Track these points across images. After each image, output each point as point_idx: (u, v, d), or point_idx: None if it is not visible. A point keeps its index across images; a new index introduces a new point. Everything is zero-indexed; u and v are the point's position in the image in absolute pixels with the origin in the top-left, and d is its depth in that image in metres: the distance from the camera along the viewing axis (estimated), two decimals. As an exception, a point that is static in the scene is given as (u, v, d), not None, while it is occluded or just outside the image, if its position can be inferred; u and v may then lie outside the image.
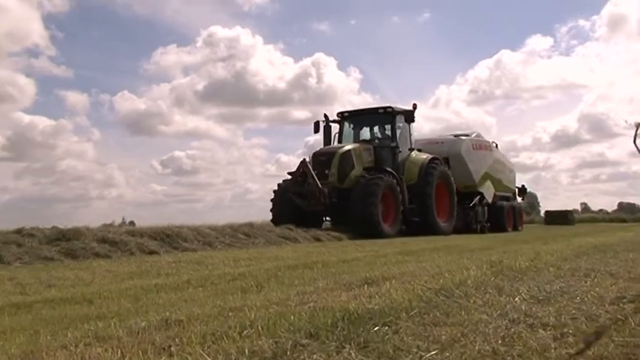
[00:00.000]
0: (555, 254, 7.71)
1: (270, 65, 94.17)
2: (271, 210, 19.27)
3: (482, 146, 25.72)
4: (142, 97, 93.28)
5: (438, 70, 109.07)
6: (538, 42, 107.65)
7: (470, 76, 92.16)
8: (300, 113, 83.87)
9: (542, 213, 53.04)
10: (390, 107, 20.47)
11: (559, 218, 41.98)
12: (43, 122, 74.33)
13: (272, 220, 18.72)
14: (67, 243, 9.31)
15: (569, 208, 50.97)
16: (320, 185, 17.70)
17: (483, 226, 24.78)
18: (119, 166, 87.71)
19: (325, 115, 21.50)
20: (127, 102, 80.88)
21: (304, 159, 19.02)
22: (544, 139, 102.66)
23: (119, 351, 2.76)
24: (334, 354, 2.40)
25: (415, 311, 3.28)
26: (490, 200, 25.61)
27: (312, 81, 78.21)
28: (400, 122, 20.97)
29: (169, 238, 11.42)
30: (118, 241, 10.25)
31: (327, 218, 20.36)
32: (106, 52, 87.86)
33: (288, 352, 2.44)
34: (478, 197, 24.81)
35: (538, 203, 63.85)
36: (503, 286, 4.54)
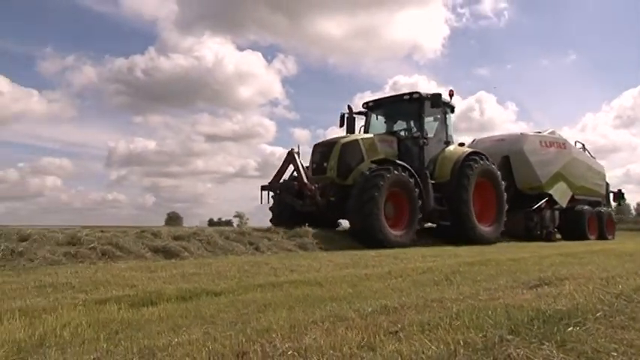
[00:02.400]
0: None
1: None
2: (270, 209, 13.66)
3: (554, 144, 18.47)
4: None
5: (584, 100, 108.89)
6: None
7: (615, 104, 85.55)
8: (466, 139, 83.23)
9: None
10: (417, 93, 13.88)
11: None
12: (279, 151, 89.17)
13: (270, 220, 13.51)
14: (300, 239, 10.18)
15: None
16: (306, 180, 12.31)
17: (550, 232, 17.53)
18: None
19: (349, 107, 15.01)
20: (336, 134, 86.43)
21: (292, 149, 13.03)
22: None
23: (357, 331, 2.75)
24: (536, 350, 2.25)
25: (600, 314, 2.97)
26: (564, 204, 18.46)
27: (476, 114, 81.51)
28: (434, 111, 14.34)
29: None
30: (329, 239, 10.97)
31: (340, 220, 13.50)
32: (320, 99, 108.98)
33: (496, 346, 2.32)
34: (545, 200, 17.66)
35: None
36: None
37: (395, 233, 11.55)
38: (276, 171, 13.40)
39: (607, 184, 22.42)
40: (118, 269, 5.58)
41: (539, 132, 19.58)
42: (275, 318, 3.24)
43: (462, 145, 15.20)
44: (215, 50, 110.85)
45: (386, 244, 10.76)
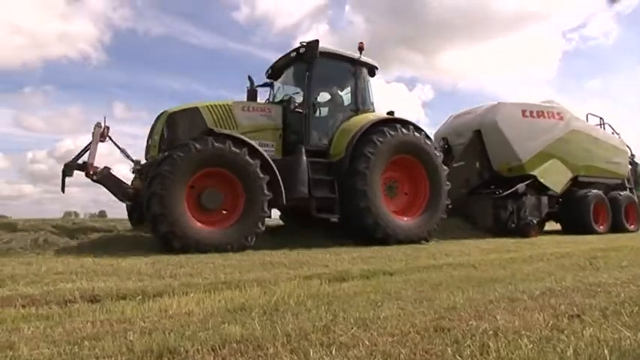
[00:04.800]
0: None
1: None
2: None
3: (545, 114, 11.27)
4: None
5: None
6: None
7: None
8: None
9: None
10: (303, 46, 7.53)
11: None
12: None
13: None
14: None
15: None
16: (92, 160, 6.55)
17: (528, 224, 10.16)
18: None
19: (249, 78, 8.31)
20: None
21: (97, 123, 6.86)
22: None
23: (536, 313, 2.43)
24: None
25: None
26: (558, 188, 11.36)
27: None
28: (329, 71, 8.01)
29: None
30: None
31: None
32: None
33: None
34: (525, 184, 10.61)
35: None
36: None
37: (208, 232, 5.88)
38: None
39: (636, 164, 14.52)
40: (313, 252, 5.80)
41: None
42: (454, 297, 3.06)
43: (390, 113, 8.24)
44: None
45: (196, 250, 5.52)
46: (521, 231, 9.90)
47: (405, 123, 7.76)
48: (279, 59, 8.27)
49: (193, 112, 6.79)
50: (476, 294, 3.18)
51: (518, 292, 3.16)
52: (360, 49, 7.99)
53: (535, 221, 10.31)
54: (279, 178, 6.46)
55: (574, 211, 11.48)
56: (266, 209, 6.24)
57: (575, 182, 11.73)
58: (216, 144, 5.98)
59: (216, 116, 6.88)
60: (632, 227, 12.71)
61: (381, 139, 7.27)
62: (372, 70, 8.47)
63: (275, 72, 8.56)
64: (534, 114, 11.07)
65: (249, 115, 7.15)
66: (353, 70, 8.06)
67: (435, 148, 8.14)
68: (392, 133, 7.42)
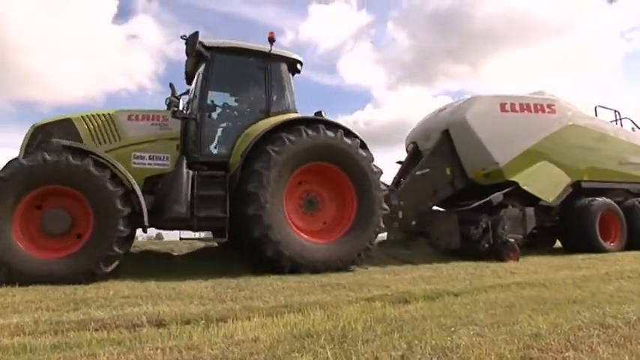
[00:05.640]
0: None
1: None
2: None
3: (531, 107, 8.84)
4: None
5: None
6: None
7: None
8: None
9: None
10: (186, 36, 6.09)
11: None
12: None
13: None
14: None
15: None
16: None
17: (505, 244, 7.43)
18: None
19: (171, 85, 6.65)
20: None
21: None
22: None
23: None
24: None
25: None
26: (551, 197, 8.70)
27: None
28: (232, 68, 6.50)
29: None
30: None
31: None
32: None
33: None
34: (502, 193, 7.99)
35: None
36: None
37: (54, 262, 4.89)
38: None
39: None
40: (371, 272, 5.63)
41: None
42: (533, 321, 2.81)
43: (317, 114, 6.60)
44: (415, 100, 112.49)
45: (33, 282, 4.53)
46: (496, 253, 7.35)
47: (312, 123, 6.00)
48: (186, 61, 6.72)
49: (65, 124, 5.77)
50: (558, 318, 2.92)
51: (609, 317, 2.87)
52: (270, 40, 6.31)
53: (512, 240, 7.58)
54: (138, 191, 5.24)
55: (574, 225, 8.89)
56: (123, 227, 5.00)
57: (577, 189, 9.11)
58: (48, 157, 4.93)
59: (93, 127, 5.80)
60: None
61: (276, 149, 5.68)
62: (292, 65, 6.79)
63: (189, 76, 7.18)
64: (517, 107, 8.69)
65: (138, 124, 5.97)
66: (264, 65, 6.45)
67: (360, 152, 6.13)
68: (292, 138, 5.77)
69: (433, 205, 8.37)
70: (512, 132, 8.47)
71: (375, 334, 2.63)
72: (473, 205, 7.87)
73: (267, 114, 6.30)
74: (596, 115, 10.46)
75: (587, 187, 9.21)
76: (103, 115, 5.90)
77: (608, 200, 9.24)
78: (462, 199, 8.30)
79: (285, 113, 6.37)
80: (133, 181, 5.27)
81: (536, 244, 9.69)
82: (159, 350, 2.41)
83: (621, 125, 11.01)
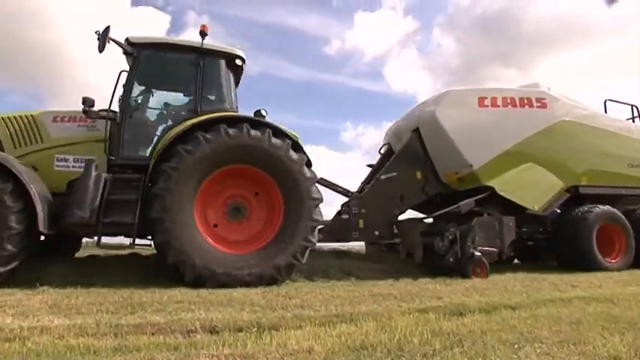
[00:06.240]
0: None
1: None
2: None
3: (518, 101, 7.49)
4: None
5: None
6: None
7: None
8: None
9: None
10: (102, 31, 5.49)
11: None
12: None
13: None
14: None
15: None
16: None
17: (471, 259, 6.26)
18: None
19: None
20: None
21: None
22: None
23: None
24: None
25: None
26: (537, 205, 7.28)
27: None
28: (160, 65, 6.11)
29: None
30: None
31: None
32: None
33: None
34: (473, 200, 6.92)
35: None
36: None
37: None
38: None
39: None
40: (421, 282, 5.47)
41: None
42: (608, 342, 2.60)
43: (257, 113, 6.04)
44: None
45: None
46: (461, 268, 6.29)
47: (235, 121, 5.45)
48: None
49: None
50: (638, 340, 2.68)
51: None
52: (202, 33, 5.88)
53: (480, 254, 6.35)
54: (33, 193, 4.80)
55: (568, 237, 7.50)
56: (10, 246, 4.64)
57: (575, 195, 7.76)
58: None
59: (14, 129, 5.60)
60: None
61: (189, 149, 5.21)
62: (231, 60, 6.18)
63: None
64: (498, 102, 7.40)
65: (63, 126, 5.73)
66: (196, 61, 5.96)
67: (290, 155, 5.49)
68: (208, 137, 5.26)
69: (401, 213, 7.32)
70: (491, 130, 7.24)
71: (434, 349, 2.52)
72: (436, 214, 7.07)
73: (196, 113, 5.77)
74: (605, 111, 9.02)
75: (589, 194, 7.83)
76: (26, 116, 5.71)
77: (610, 209, 7.72)
78: (441, 206, 7.26)
79: (222, 112, 5.81)
80: (27, 181, 4.83)
81: (538, 257, 8.87)
82: (215, 358, 2.42)
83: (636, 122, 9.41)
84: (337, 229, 6.82)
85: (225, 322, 3.24)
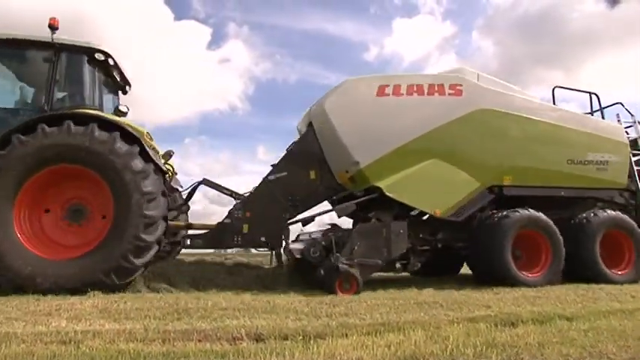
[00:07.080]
0: None
1: None
2: None
3: (422, 88, 6.18)
4: None
5: None
6: None
7: None
8: None
9: None
10: None
11: None
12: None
13: None
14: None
15: None
16: None
17: (334, 271, 5.18)
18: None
19: None
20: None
21: None
22: None
23: None
24: None
25: None
26: (441, 209, 6.04)
27: None
28: (8, 62, 5.75)
29: None
30: None
31: None
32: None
33: None
34: (353, 203, 5.99)
35: None
36: None
37: None
38: None
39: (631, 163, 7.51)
40: (467, 290, 5.27)
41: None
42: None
43: (119, 113, 5.98)
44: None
45: None
46: (326, 283, 5.27)
47: (57, 119, 5.07)
48: None
49: None
50: None
51: None
52: (51, 27, 5.43)
53: (346, 266, 5.29)
54: None
55: (480, 246, 6.27)
56: None
57: (499, 197, 6.56)
58: None
59: None
60: (619, 274, 6.62)
61: (1, 153, 4.90)
62: (90, 56, 5.75)
63: None
64: (402, 90, 6.24)
65: None
66: (49, 57, 5.54)
67: (116, 147, 5.04)
68: (23, 139, 4.93)
69: (291, 218, 6.41)
70: (386, 123, 6.12)
71: (490, 362, 2.37)
72: (303, 217, 6.25)
73: (45, 112, 5.37)
74: (553, 100, 7.68)
75: (515, 195, 6.54)
76: None
77: (533, 213, 6.32)
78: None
79: (74, 110, 5.41)
80: None
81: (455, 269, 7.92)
82: (268, 366, 2.38)
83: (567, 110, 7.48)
84: (217, 233, 6.16)
85: (270, 329, 3.21)
